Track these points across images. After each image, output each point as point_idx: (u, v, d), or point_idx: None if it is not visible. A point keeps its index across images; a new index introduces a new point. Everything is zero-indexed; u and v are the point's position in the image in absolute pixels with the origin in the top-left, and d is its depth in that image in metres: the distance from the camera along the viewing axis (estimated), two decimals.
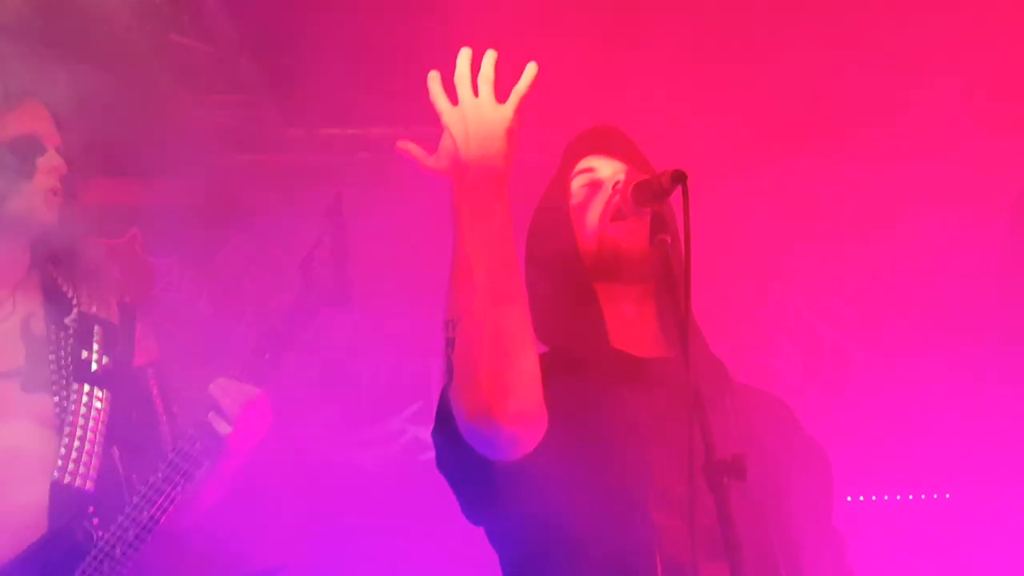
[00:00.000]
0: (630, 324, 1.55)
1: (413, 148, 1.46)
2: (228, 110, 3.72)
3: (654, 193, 1.40)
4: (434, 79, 1.45)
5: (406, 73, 3.40)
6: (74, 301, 2.00)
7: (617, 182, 1.54)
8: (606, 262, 1.54)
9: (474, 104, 1.42)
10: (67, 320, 1.95)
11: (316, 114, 3.83)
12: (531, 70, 1.43)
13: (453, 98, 1.45)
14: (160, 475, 1.85)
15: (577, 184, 1.63)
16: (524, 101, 1.44)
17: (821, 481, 1.58)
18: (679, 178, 1.35)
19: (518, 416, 1.31)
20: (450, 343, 1.35)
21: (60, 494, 1.82)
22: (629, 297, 1.56)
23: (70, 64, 2.06)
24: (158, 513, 1.83)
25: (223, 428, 1.87)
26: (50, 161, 1.94)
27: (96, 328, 1.96)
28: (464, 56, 1.44)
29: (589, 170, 1.63)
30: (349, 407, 4.10)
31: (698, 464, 1.20)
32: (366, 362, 4.20)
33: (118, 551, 1.79)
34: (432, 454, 1.46)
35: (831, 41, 3.09)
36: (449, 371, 1.36)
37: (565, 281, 1.54)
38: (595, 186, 1.60)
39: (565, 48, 3.22)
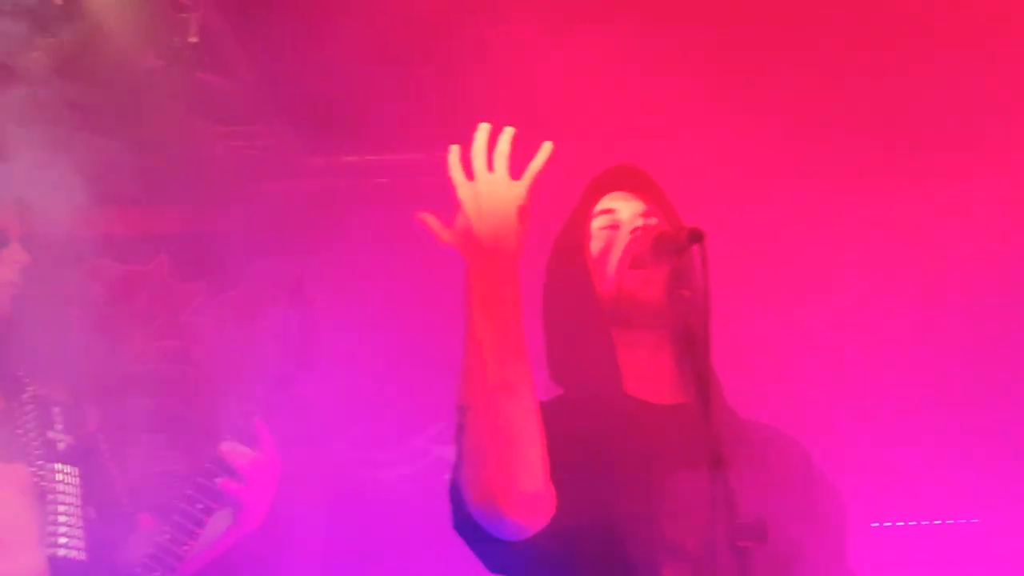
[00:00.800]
0: (645, 370, 1.55)
1: (431, 220, 1.46)
2: (249, 140, 3.82)
3: (672, 248, 1.43)
4: (454, 152, 1.45)
5: (424, 100, 3.53)
6: (25, 380, 2.07)
7: (636, 228, 1.56)
8: (623, 308, 1.54)
9: (488, 180, 1.42)
10: (24, 397, 2.03)
11: (336, 142, 3.91)
12: (546, 149, 1.44)
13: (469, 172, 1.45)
14: (167, 536, 1.93)
15: (596, 226, 1.63)
16: (538, 179, 1.44)
17: (836, 525, 1.57)
18: (696, 237, 1.39)
19: (523, 505, 1.33)
20: (460, 428, 1.36)
21: (60, 567, 1.90)
22: (645, 343, 1.55)
23: (95, 116, 2.11)
24: (168, 572, 1.92)
25: (232, 488, 1.95)
26: (11, 255, 1.99)
27: (55, 410, 2.04)
28: (482, 131, 1.45)
29: (609, 211, 1.63)
30: (373, 428, 4.17)
31: (720, 526, 1.22)
32: (390, 383, 4.27)
33: None
34: None
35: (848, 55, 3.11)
36: (459, 457, 1.37)
37: (581, 323, 1.54)
38: (615, 228, 1.61)
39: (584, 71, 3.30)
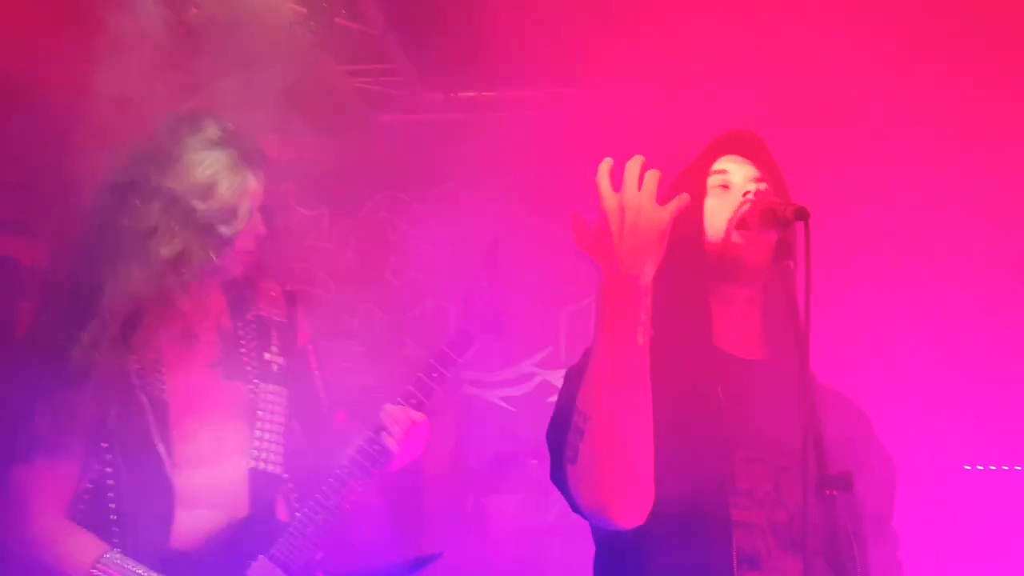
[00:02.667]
0: (735, 325, 1.62)
1: (578, 223, 1.46)
2: (374, 77, 4.01)
3: (779, 220, 1.50)
4: (605, 163, 1.46)
5: (539, 38, 3.63)
6: (251, 301, 2.22)
7: (747, 192, 1.62)
8: (727, 266, 1.60)
9: (635, 197, 1.41)
10: (249, 316, 2.19)
11: (454, 78, 4.05)
12: (684, 198, 1.46)
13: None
14: (344, 469, 2.16)
15: (711, 184, 1.68)
16: (682, 211, 1.46)
17: (887, 485, 1.66)
18: (802, 215, 1.46)
19: (631, 513, 1.43)
20: (579, 431, 1.42)
21: (259, 479, 2.09)
22: (738, 299, 1.63)
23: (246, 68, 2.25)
24: (342, 501, 2.14)
25: (391, 444, 2.17)
26: (253, 229, 2.14)
27: (272, 332, 2.20)
28: (638, 159, 1.45)
29: (723, 172, 1.68)
30: (483, 350, 4.42)
31: (810, 476, 1.32)
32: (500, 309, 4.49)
33: (310, 530, 2.10)
34: None
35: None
36: (574, 454, 1.44)
37: (683, 273, 1.59)
38: (726, 188, 1.66)
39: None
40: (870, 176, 3.51)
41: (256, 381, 2.14)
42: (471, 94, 4.15)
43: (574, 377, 1.53)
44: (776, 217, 1.51)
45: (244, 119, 2.27)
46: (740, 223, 1.59)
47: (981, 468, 3.39)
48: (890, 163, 3.53)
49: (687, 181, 1.70)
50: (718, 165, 1.71)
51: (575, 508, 1.48)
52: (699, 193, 1.66)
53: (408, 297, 4.53)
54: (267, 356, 2.18)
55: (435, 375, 2.26)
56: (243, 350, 2.15)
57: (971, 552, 2.88)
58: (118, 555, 1.93)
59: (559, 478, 1.51)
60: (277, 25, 2.75)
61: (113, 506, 1.98)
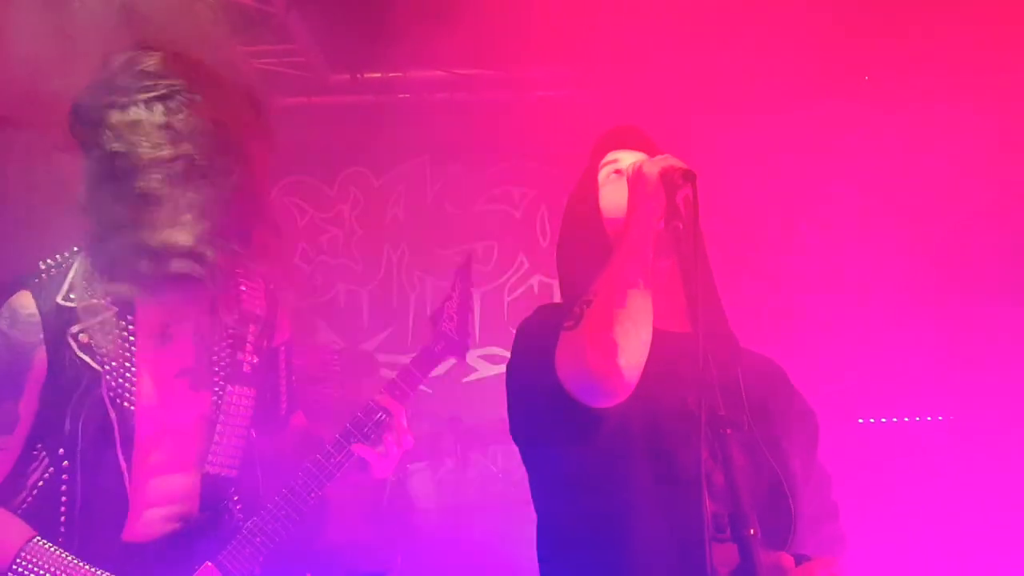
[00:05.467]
0: (659, 300, 1.64)
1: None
2: (276, 59, 3.93)
3: (669, 183, 1.60)
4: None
5: (443, 18, 3.62)
6: (235, 296, 2.10)
7: (637, 162, 1.72)
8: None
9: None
10: (229, 319, 2.07)
11: (360, 59, 4.01)
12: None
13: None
14: (299, 480, 2.10)
15: (604, 174, 1.81)
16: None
17: (809, 430, 1.78)
18: (689, 176, 1.60)
19: (613, 382, 1.52)
20: (586, 303, 1.57)
21: (210, 483, 2.02)
22: (659, 274, 1.66)
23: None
24: (293, 512, 2.08)
25: (364, 453, 2.10)
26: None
27: (251, 328, 2.10)
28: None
29: (614, 161, 1.81)
30: (399, 335, 4.41)
31: (704, 417, 1.40)
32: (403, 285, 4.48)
33: (258, 539, 2.05)
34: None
35: None
36: (575, 322, 1.56)
37: (593, 258, 1.68)
38: (619, 173, 1.78)
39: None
40: (761, 137, 3.63)
41: (223, 384, 2.06)
42: (378, 75, 4.11)
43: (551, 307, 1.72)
44: (667, 179, 1.62)
45: None
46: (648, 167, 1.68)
47: (873, 421, 3.64)
48: (772, 133, 3.65)
49: (584, 177, 1.84)
50: (608, 158, 1.83)
51: (562, 378, 1.54)
52: (593, 185, 1.80)
53: (319, 282, 4.49)
54: (240, 356, 2.09)
55: (397, 394, 2.25)
56: (215, 357, 2.06)
57: (868, 497, 3.06)
58: (46, 542, 1.88)
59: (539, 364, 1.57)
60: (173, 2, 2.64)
61: (64, 509, 1.92)
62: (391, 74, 4.12)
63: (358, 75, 4.10)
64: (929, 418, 3.63)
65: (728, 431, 1.42)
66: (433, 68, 4.08)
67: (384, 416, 2.12)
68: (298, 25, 3.60)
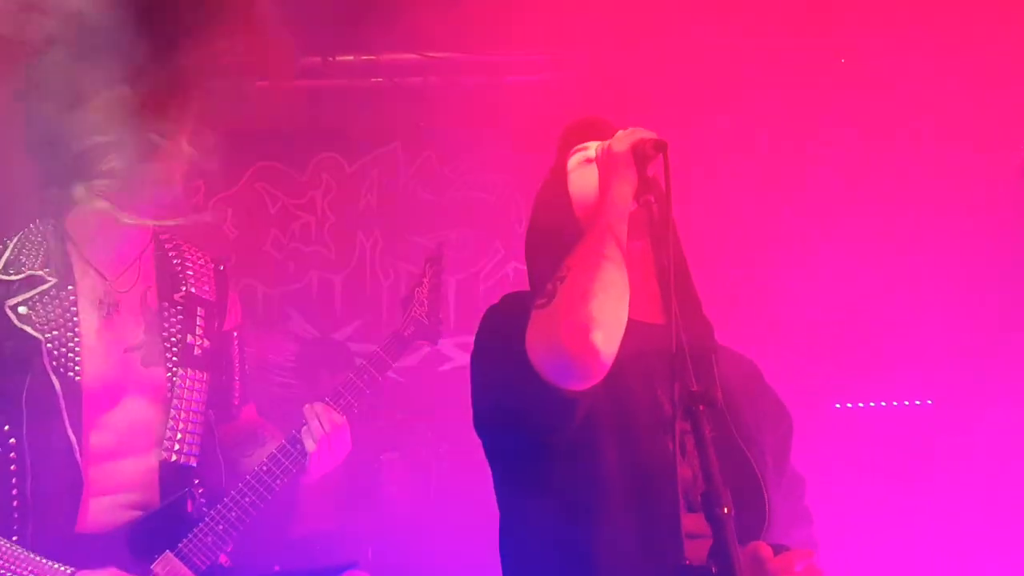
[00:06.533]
0: (634, 288, 1.56)
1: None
2: (248, 41, 3.83)
3: (640, 156, 1.56)
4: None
5: (417, 1, 3.55)
6: (182, 277, 2.09)
7: (606, 142, 1.67)
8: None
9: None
10: (177, 296, 2.06)
11: (331, 41, 3.94)
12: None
13: None
14: (263, 468, 2.08)
15: (573, 162, 1.76)
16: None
17: (783, 432, 1.73)
18: (660, 147, 1.55)
19: (587, 361, 1.42)
20: (560, 279, 1.49)
21: (170, 471, 1.98)
22: (632, 256, 1.59)
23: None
24: (258, 500, 2.06)
25: (310, 445, 2.09)
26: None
27: (199, 311, 2.07)
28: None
29: (583, 148, 1.76)
30: (373, 324, 4.37)
31: (679, 393, 1.36)
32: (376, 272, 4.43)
33: (221, 527, 2.02)
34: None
35: None
36: (547, 300, 1.48)
37: (563, 244, 1.60)
38: (589, 161, 1.72)
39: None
40: (740, 123, 3.61)
41: (176, 366, 2.01)
42: (350, 58, 4.03)
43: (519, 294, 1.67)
44: (638, 152, 1.58)
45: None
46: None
47: (850, 406, 3.64)
48: (761, 117, 3.63)
49: (553, 170, 1.79)
50: (577, 147, 1.78)
51: (532, 358, 1.46)
52: (562, 173, 1.75)
53: (292, 270, 4.42)
54: (190, 339, 2.04)
55: (366, 377, 2.21)
56: (166, 333, 2.02)
57: (844, 484, 3.07)
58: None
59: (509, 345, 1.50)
60: None
61: (15, 492, 1.86)
62: (363, 57, 4.04)
63: (329, 58, 4.02)
64: (907, 403, 3.64)
65: (701, 407, 1.36)
66: (407, 51, 4.01)
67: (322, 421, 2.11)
68: (268, 5, 3.51)
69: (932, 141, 3.55)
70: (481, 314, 1.68)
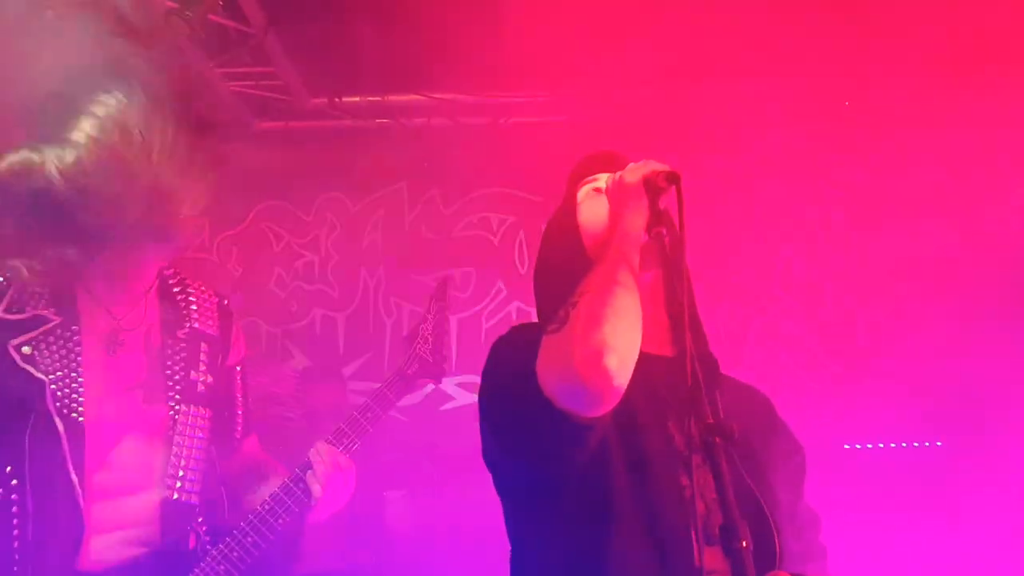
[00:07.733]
0: (644, 320, 1.53)
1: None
2: (256, 81, 3.88)
3: (652, 188, 1.55)
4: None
5: (423, 43, 3.60)
6: (185, 313, 2.07)
7: (616, 174, 1.66)
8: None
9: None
10: (180, 333, 2.04)
11: (339, 82, 3.98)
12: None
13: None
14: (266, 507, 2.05)
15: (583, 193, 1.74)
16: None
17: (796, 467, 1.69)
18: (673, 179, 1.53)
19: (600, 388, 1.39)
20: (572, 305, 1.46)
21: (172, 509, 1.95)
22: (642, 289, 1.55)
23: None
24: (260, 540, 2.03)
25: (316, 490, 2.07)
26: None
27: (203, 346, 2.05)
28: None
29: (593, 179, 1.75)
30: (375, 363, 4.35)
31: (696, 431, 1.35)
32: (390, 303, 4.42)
33: (223, 567, 1.98)
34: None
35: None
36: (560, 325, 1.45)
37: (573, 276, 1.57)
38: (599, 191, 1.71)
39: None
40: (741, 162, 3.63)
41: (178, 403, 1.99)
42: (356, 99, 4.07)
43: (528, 325, 1.64)
44: (650, 184, 1.56)
45: None
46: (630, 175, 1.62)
47: (859, 447, 3.62)
48: (761, 160, 3.66)
49: (564, 202, 1.77)
50: (587, 179, 1.77)
51: (544, 384, 1.42)
52: (572, 207, 1.74)
53: (295, 308, 4.42)
54: (193, 375, 2.02)
55: (370, 415, 2.18)
56: (169, 371, 1.99)
57: (852, 522, 3.05)
58: None
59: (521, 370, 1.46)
60: (145, 19, 2.59)
61: (17, 533, 1.83)
62: (369, 98, 4.09)
63: (336, 99, 4.06)
64: (916, 444, 3.62)
65: (718, 440, 1.34)
66: (412, 93, 4.06)
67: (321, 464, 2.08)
68: (276, 47, 3.56)
69: (938, 182, 3.57)
70: (483, 353, 1.66)
